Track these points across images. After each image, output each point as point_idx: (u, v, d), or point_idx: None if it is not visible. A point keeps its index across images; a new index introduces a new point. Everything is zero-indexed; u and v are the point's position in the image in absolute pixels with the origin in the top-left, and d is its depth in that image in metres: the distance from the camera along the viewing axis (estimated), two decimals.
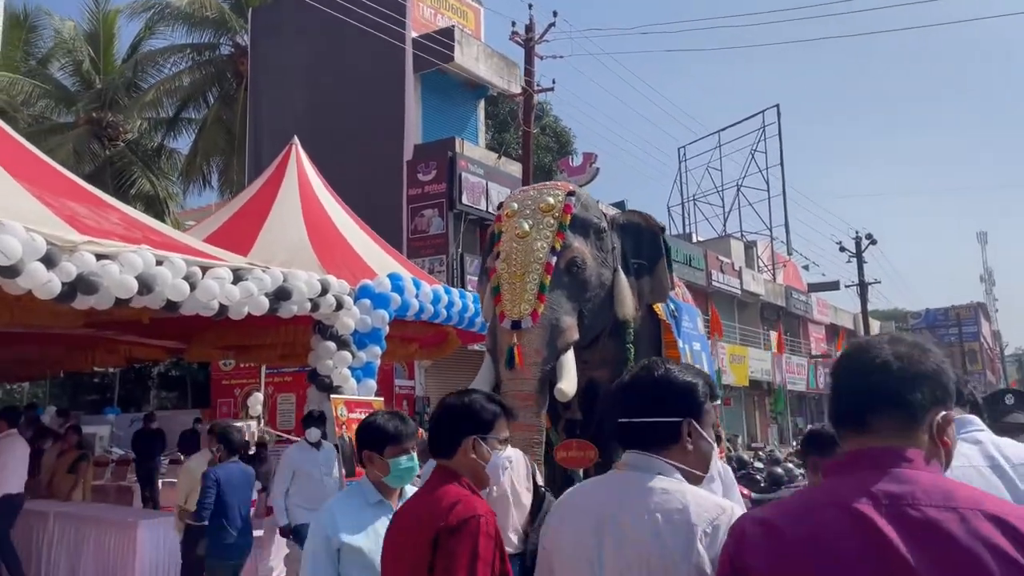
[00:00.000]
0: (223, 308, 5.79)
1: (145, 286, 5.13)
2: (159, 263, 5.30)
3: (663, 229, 6.04)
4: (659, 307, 6.05)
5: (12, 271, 4.34)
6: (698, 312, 7.26)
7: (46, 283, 4.55)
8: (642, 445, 1.73)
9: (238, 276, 5.93)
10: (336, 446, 6.67)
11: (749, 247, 31.75)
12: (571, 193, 5.53)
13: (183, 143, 20.84)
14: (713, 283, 25.43)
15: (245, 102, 18.23)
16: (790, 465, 9.79)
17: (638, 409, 1.74)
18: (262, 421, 13.31)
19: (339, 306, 6.78)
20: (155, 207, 19.57)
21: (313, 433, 6.20)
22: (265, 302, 6.08)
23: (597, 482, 1.86)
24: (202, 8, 18.89)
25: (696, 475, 1.72)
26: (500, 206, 5.81)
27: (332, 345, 6.86)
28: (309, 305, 6.48)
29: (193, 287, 5.49)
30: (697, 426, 1.72)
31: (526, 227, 5.35)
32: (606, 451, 5.93)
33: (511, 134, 21.65)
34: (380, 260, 9.02)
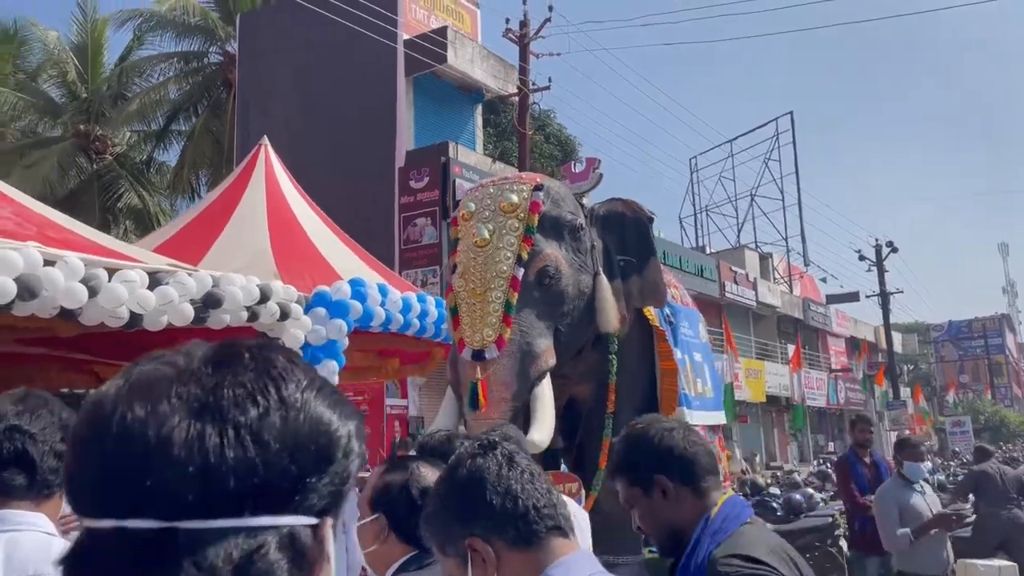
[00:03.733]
0: (136, 317, 4.93)
1: (27, 290, 4.29)
2: (49, 263, 4.46)
3: (652, 219, 5.14)
4: (651, 311, 5.14)
5: None
6: (700, 317, 6.33)
7: None
8: None
9: (156, 280, 5.07)
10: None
11: (764, 258, 30.72)
12: (538, 187, 4.63)
13: (173, 156, 20.20)
14: (727, 295, 24.43)
15: (234, 111, 17.57)
16: (811, 491, 8.78)
17: None
18: None
19: (284, 315, 5.91)
20: (144, 221, 18.91)
21: None
22: (189, 310, 5.22)
23: None
24: (186, 15, 18.30)
25: None
26: (456, 205, 4.94)
27: None
28: (245, 314, 5.61)
29: (94, 292, 4.64)
30: None
31: (485, 234, 4.44)
32: (589, 482, 5.02)
33: (513, 142, 20.85)
34: (352, 268, 8.16)
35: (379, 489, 1.77)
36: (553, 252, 4.49)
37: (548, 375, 4.28)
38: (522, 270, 4.37)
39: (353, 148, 15.75)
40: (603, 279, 4.67)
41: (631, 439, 1.68)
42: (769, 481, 13.62)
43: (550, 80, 14.34)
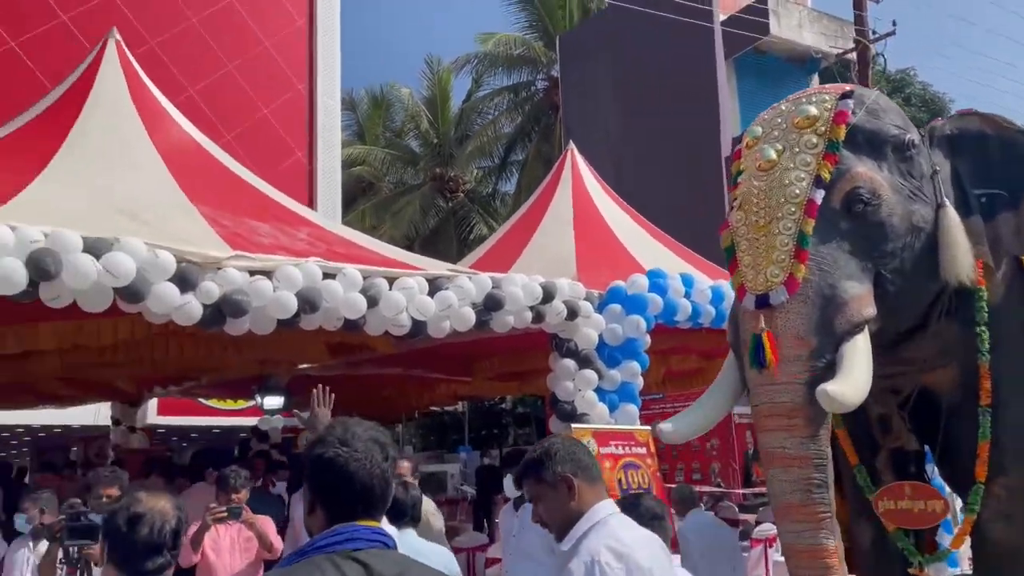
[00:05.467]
0: (418, 324, 4.84)
1: (308, 303, 4.38)
2: (329, 276, 4.53)
3: None
4: None
5: (133, 293, 3.84)
6: None
7: (181, 306, 3.99)
8: None
9: (435, 286, 4.95)
10: None
11: None
12: (846, 95, 3.52)
13: (514, 185, 21.49)
14: None
15: (561, 132, 18.05)
16: None
17: None
18: None
19: (573, 314, 5.44)
20: None
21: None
22: (470, 314, 5.00)
23: None
24: (510, 47, 19.36)
25: None
26: (739, 138, 3.99)
27: (571, 363, 5.53)
28: (530, 315, 5.26)
29: (373, 301, 4.63)
30: None
31: (772, 154, 3.44)
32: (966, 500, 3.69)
33: None
34: (660, 260, 7.48)
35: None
36: (868, 172, 3.32)
37: (864, 330, 3.14)
38: (822, 192, 3.28)
39: (677, 144, 15.09)
40: (950, 211, 3.35)
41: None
42: None
43: (894, 24, 12.10)
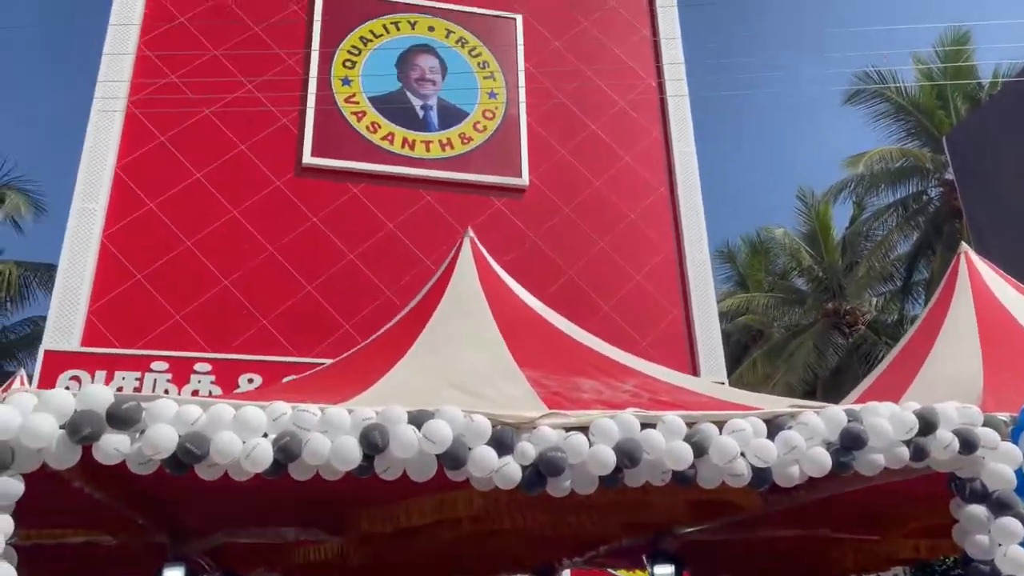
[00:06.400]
0: (760, 472, 4.20)
1: (627, 456, 4.09)
2: (648, 426, 4.22)
3: None
4: None
5: (453, 458, 3.95)
6: None
7: (500, 468, 3.99)
8: None
9: (775, 425, 4.30)
10: None
11: None
12: None
13: (921, 307, 18.88)
14: None
15: (968, 237, 15.62)
16: None
17: None
18: None
19: (970, 447, 4.26)
20: None
21: None
22: (824, 456, 4.20)
23: None
24: (887, 162, 17.65)
25: None
26: None
27: (981, 510, 4.25)
28: (906, 451, 4.23)
29: (701, 449, 4.16)
30: None
31: None
32: None
33: None
34: None
35: None
36: None
37: None
38: None
39: None
40: None
41: None
42: None
43: None
